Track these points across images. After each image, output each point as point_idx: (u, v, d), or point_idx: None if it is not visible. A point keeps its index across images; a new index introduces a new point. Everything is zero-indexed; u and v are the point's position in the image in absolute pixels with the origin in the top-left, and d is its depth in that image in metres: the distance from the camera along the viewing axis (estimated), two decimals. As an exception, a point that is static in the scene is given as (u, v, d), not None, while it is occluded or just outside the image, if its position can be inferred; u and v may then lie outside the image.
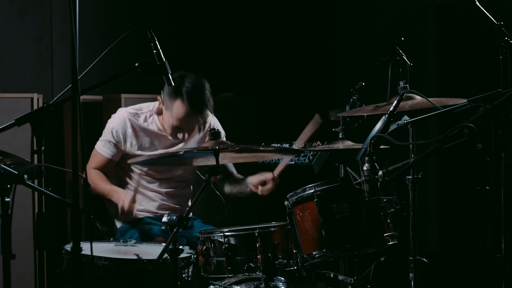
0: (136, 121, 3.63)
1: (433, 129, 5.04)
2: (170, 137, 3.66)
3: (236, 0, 5.59)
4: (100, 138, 3.66)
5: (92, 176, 3.58)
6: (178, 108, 3.51)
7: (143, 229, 3.57)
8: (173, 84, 2.75)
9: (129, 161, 3.47)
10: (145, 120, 3.65)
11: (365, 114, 3.35)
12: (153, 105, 3.70)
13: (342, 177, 3.50)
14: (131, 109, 3.69)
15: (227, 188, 3.75)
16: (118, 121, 3.64)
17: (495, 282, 2.45)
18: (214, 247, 3.11)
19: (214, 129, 2.97)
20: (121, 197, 3.42)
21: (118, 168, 3.71)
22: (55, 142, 4.66)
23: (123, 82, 2.97)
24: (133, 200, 3.41)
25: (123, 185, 3.69)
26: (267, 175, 3.49)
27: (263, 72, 5.62)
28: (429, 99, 2.91)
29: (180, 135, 3.64)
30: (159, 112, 3.65)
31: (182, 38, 5.25)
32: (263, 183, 3.50)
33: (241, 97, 5.28)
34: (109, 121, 3.68)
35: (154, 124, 3.65)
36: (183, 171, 3.72)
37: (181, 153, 3.13)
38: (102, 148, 3.64)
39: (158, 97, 3.62)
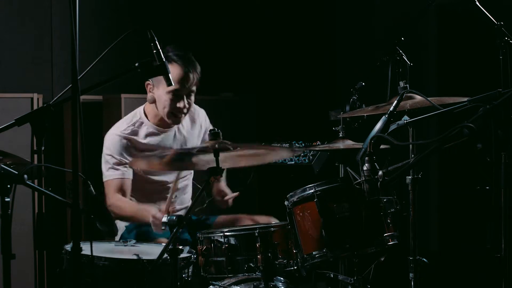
0: (133, 138, 3.59)
1: (433, 129, 5.04)
2: (168, 132, 3.64)
3: (236, 0, 5.59)
4: (103, 169, 3.58)
5: (117, 204, 3.50)
6: (172, 72, 3.51)
7: (142, 230, 3.55)
8: (173, 84, 2.75)
9: (130, 163, 3.46)
10: (140, 130, 3.62)
11: (365, 114, 3.35)
12: (139, 112, 3.67)
13: (342, 177, 3.50)
14: (122, 125, 3.63)
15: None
16: (113, 144, 3.58)
17: (495, 282, 2.45)
18: (214, 247, 3.11)
19: (214, 129, 2.95)
20: (151, 212, 3.33)
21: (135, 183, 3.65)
22: (55, 142, 4.66)
23: (123, 82, 2.97)
24: (166, 209, 3.31)
25: (148, 196, 3.66)
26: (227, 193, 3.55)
27: (263, 72, 5.62)
28: (429, 99, 2.91)
29: (180, 104, 3.55)
30: (151, 101, 3.60)
31: (182, 38, 5.25)
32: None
33: (241, 97, 5.28)
34: (104, 146, 3.61)
35: (147, 127, 3.63)
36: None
37: (194, 151, 3.07)
38: (112, 174, 3.55)
39: (146, 83, 3.60)
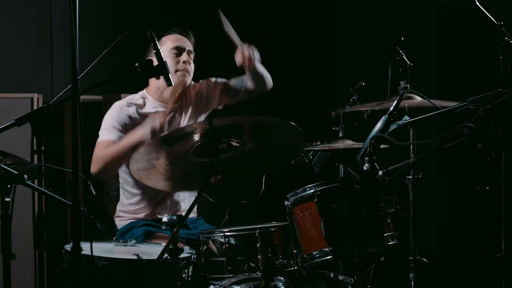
0: (132, 109, 3.58)
1: (433, 129, 5.04)
2: (167, 109, 3.62)
3: (236, 0, 5.59)
4: (101, 130, 3.56)
5: (100, 153, 3.47)
6: (169, 40, 3.62)
7: (144, 231, 3.55)
8: (173, 84, 2.75)
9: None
10: (140, 106, 3.61)
11: (365, 112, 3.35)
12: (141, 92, 3.67)
13: (342, 177, 3.50)
14: (123, 101, 3.64)
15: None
16: (117, 110, 3.58)
17: (495, 282, 2.45)
18: (214, 247, 3.12)
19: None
20: (154, 121, 3.39)
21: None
22: (55, 142, 4.66)
23: (123, 82, 2.96)
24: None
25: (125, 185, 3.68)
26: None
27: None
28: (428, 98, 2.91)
29: (183, 57, 3.61)
30: (155, 90, 3.62)
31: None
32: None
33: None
34: (107, 114, 3.60)
35: (150, 104, 3.62)
36: None
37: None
38: (107, 134, 3.51)
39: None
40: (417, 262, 3.19)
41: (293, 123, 2.88)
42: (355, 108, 3.37)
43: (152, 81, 3.66)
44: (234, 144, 2.83)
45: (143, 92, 3.69)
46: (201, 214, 3.82)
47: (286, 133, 2.99)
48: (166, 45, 3.61)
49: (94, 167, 3.48)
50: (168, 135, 3.01)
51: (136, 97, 3.67)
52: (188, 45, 3.70)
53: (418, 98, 3.07)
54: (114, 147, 3.45)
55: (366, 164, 2.52)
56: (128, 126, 3.54)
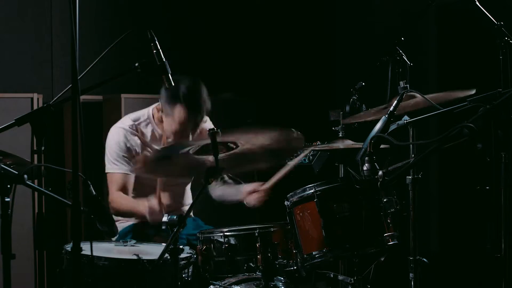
0: (138, 133, 3.57)
1: (433, 129, 5.04)
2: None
3: (236, 0, 5.59)
4: (107, 161, 3.56)
5: (118, 200, 3.49)
6: (179, 112, 3.47)
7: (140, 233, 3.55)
8: (173, 85, 2.74)
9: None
10: (145, 128, 3.60)
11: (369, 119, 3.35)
12: (147, 113, 3.64)
13: (342, 177, 3.50)
14: (128, 121, 3.61)
15: (218, 192, 3.72)
16: (120, 135, 3.55)
17: (495, 282, 2.45)
18: (214, 247, 3.11)
19: (213, 128, 2.89)
20: (146, 204, 3.35)
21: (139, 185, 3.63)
22: (55, 142, 4.66)
23: (123, 82, 2.96)
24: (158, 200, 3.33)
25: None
26: (260, 185, 3.52)
27: (262, 72, 5.62)
28: (429, 98, 2.91)
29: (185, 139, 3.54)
30: (159, 120, 3.59)
31: (182, 39, 5.25)
32: (253, 192, 3.54)
33: (240, 97, 5.28)
34: (109, 139, 3.58)
35: (154, 132, 3.61)
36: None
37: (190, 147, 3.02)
38: (116, 167, 3.53)
39: (155, 107, 3.60)
40: (417, 262, 3.19)
41: (293, 129, 2.88)
42: (357, 118, 3.37)
43: (163, 118, 3.58)
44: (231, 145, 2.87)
45: (149, 114, 3.63)
46: (197, 214, 3.82)
47: (286, 139, 3.01)
48: (173, 120, 3.49)
49: (112, 209, 3.50)
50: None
51: (141, 119, 3.62)
52: (195, 126, 3.54)
53: (418, 98, 3.07)
54: (127, 206, 3.48)
55: (366, 164, 2.53)
56: (132, 152, 3.54)
